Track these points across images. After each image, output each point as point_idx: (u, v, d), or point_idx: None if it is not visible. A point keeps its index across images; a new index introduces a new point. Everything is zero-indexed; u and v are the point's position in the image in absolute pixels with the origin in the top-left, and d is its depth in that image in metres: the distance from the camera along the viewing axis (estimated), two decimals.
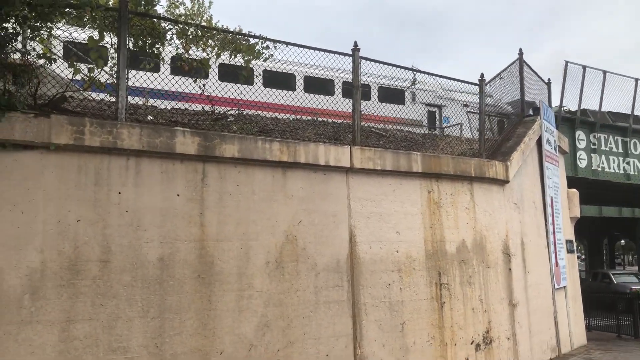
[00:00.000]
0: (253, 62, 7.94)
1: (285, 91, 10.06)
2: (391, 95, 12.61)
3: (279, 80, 13.43)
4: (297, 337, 7.11)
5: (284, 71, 13.09)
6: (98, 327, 5.98)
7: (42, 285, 5.79)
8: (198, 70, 7.60)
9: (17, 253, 5.73)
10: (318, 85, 14.13)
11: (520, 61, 11.95)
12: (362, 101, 8.45)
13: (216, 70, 11.45)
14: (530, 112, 12.32)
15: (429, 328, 8.33)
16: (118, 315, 6.09)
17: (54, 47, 6.94)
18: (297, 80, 14.16)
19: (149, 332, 6.22)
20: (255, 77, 12.46)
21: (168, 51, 7.91)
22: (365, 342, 7.66)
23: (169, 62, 10.76)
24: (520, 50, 11.97)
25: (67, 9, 6.68)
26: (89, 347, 5.90)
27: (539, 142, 12.00)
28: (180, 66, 7.56)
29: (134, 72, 7.20)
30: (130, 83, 6.97)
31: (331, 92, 14.62)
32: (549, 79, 13.83)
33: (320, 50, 8.17)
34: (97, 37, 6.44)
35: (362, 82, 8.42)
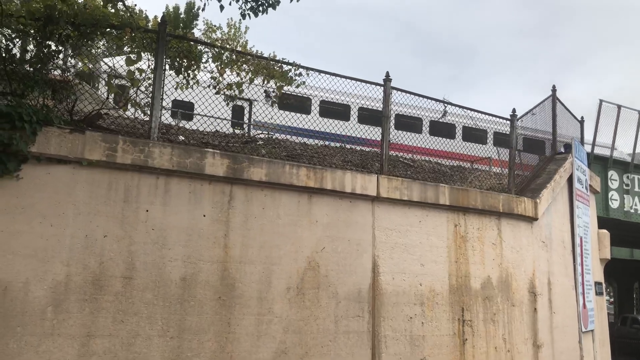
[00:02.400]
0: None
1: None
2: (534, 146, 12.91)
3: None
4: None
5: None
6: (117, 344, 5.99)
7: (66, 299, 5.84)
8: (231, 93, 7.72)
9: (43, 265, 5.81)
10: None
11: (554, 98, 11.83)
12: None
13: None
14: (562, 149, 12.14)
15: None
16: (138, 332, 6.11)
17: (94, 66, 7.15)
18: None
19: (167, 352, 6.21)
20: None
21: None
22: None
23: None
24: (554, 87, 11.86)
25: (108, 29, 6.89)
26: None
27: (570, 180, 11.78)
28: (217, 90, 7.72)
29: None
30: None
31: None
32: (582, 117, 13.65)
33: (351, 79, 8.22)
34: (135, 58, 6.60)
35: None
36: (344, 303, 7.38)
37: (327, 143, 9.81)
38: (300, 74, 7.90)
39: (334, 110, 14.50)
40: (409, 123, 15.28)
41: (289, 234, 7.17)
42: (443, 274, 8.38)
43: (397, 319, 7.78)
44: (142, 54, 6.81)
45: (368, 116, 14.73)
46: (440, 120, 16.01)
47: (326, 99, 14.22)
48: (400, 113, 14.86)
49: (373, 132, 9.46)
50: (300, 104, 12.85)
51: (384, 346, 7.59)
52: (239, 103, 11.87)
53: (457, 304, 8.42)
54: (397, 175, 8.64)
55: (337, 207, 7.61)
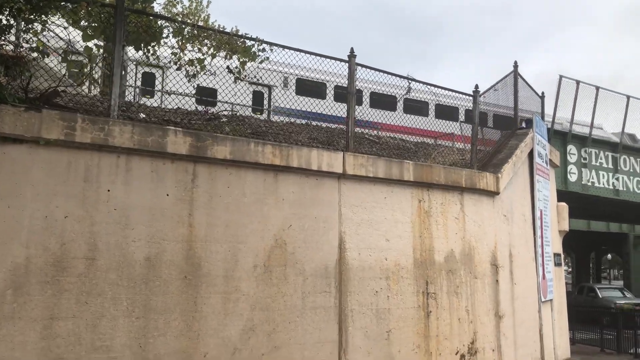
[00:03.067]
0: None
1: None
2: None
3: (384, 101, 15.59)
4: (283, 342, 7.07)
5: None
6: (81, 325, 5.91)
7: (26, 281, 5.71)
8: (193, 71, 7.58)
9: (1, 247, 5.65)
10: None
11: (515, 74, 12.00)
12: None
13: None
14: (523, 124, 12.37)
15: (414, 337, 8.32)
16: (102, 313, 6.03)
17: (48, 41, 6.88)
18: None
19: (133, 332, 6.16)
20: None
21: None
22: (350, 349, 7.63)
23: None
24: (515, 63, 12.02)
25: (63, 3, 6.63)
26: (71, 345, 5.83)
27: (531, 155, 12.04)
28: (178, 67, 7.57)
29: None
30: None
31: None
32: (542, 93, 13.91)
33: (316, 54, 8.15)
34: (92, 33, 6.39)
35: None
36: (311, 279, 7.43)
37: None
38: (263, 50, 7.78)
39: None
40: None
41: (255, 212, 7.14)
42: (408, 249, 8.51)
43: (363, 293, 7.89)
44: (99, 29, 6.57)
45: (378, 101, 15.76)
46: (445, 103, 16.58)
47: (339, 84, 15.01)
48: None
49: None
50: (317, 90, 14.09)
51: (350, 320, 7.70)
52: (259, 89, 13.29)
53: (421, 277, 8.58)
54: (362, 152, 8.67)
55: (304, 184, 7.60)
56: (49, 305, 5.78)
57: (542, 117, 13.50)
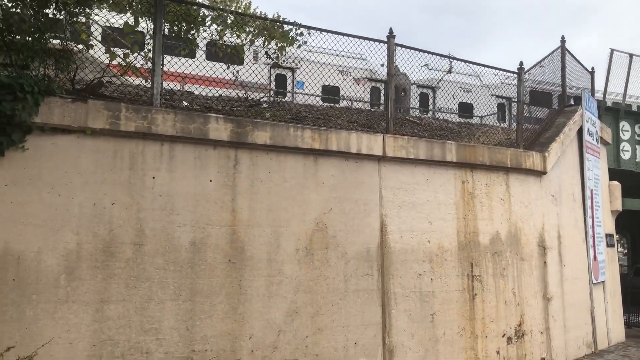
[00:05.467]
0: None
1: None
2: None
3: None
4: (326, 325, 7.14)
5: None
6: (131, 309, 6.12)
7: (78, 266, 5.95)
8: (231, 57, 7.64)
9: (54, 234, 5.90)
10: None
11: (562, 49, 11.58)
12: None
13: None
14: (572, 101, 11.96)
15: (459, 319, 8.24)
16: (150, 297, 6.23)
17: (92, 33, 7.08)
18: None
19: (180, 315, 6.34)
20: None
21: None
22: (394, 332, 7.64)
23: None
24: (563, 37, 11.60)
25: None
26: (121, 327, 6.06)
27: (580, 133, 11.64)
28: (215, 53, 7.64)
29: None
30: None
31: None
32: (592, 68, 13.37)
33: (353, 36, 8.08)
34: (133, 23, 6.52)
35: None
36: (352, 262, 7.44)
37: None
38: (301, 34, 7.77)
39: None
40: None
41: (296, 197, 7.20)
42: (451, 231, 8.41)
43: (406, 276, 7.85)
44: (139, 19, 6.71)
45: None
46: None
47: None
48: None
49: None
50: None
51: (393, 303, 7.69)
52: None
53: (466, 259, 8.47)
54: (403, 134, 8.58)
55: (344, 168, 7.60)
56: (99, 289, 6.01)
57: (592, 94, 13.00)
